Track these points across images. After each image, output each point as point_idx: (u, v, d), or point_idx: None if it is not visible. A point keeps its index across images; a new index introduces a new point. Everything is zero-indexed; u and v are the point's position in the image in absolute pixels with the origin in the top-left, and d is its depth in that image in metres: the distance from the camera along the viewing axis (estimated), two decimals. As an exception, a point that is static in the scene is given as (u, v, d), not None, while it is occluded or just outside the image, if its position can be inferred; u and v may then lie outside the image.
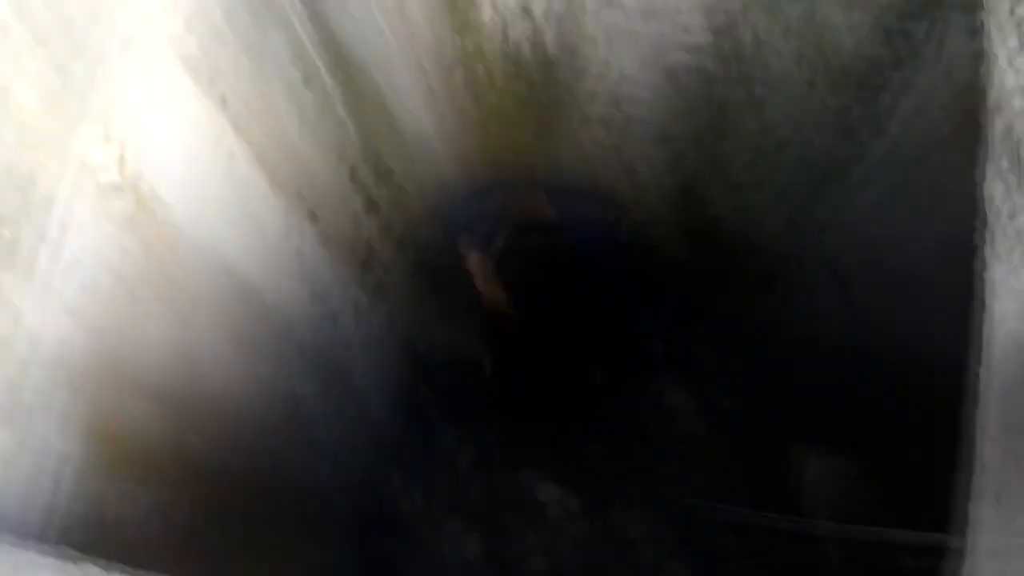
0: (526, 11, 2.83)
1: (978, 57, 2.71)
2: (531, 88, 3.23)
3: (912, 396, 5.24)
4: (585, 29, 2.86)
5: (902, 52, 2.77)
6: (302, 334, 3.58)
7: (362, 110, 3.60)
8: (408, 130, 3.69)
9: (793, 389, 5.40)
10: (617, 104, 3.26)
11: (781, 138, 3.36)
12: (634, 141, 3.53)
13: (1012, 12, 1.56)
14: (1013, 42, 1.54)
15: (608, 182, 3.94)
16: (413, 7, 2.91)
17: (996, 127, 1.60)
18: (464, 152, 3.84)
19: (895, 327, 5.03)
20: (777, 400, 5.41)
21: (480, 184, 4.08)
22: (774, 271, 4.55)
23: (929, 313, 4.79)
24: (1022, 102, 1.48)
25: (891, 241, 3.97)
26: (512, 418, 5.52)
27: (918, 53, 2.75)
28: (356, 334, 4.19)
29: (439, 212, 4.08)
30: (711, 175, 3.75)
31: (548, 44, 2.94)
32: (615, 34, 2.86)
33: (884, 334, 5.16)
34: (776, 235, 4.12)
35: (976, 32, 2.57)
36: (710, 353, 5.59)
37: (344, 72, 3.33)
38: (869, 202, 3.66)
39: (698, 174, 3.74)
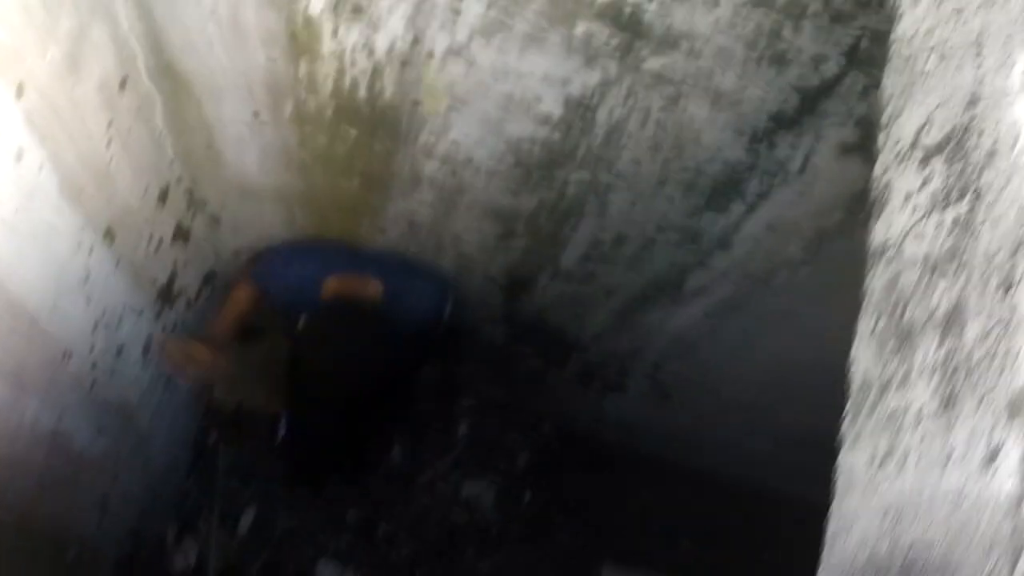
0: (368, 48, 2.61)
1: (849, 181, 2.56)
2: (363, 131, 3.01)
3: (726, 521, 5.16)
4: (428, 77, 2.62)
5: (764, 161, 2.61)
6: (80, 365, 3.28)
7: (182, 127, 3.34)
8: (229, 158, 3.45)
9: (601, 495, 5.32)
10: (452, 165, 3.06)
11: (621, 232, 3.19)
12: (466, 210, 3.34)
13: (915, 140, 1.32)
14: (912, 175, 1.29)
15: (434, 253, 3.71)
16: (249, 23, 2.67)
17: (877, 276, 1.34)
18: (286, 194, 3.61)
19: (715, 449, 4.93)
20: (581, 506, 5.34)
21: (299, 240, 3.84)
22: (594, 369, 4.41)
23: (759, 444, 4.70)
24: (916, 249, 1.22)
25: (720, 359, 3.83)
26: (303, 484, 5.35)
27: (781, 164, 2.60)
28: (145, 372, 3.91)
29: (254, 259, 3.80)
30: (541, 260, 3.57)
31: (387, 87, 2.72)
32: (460, 88, 2.63)
33: (704, 452, 5.06)
34: (601, 332, 3.98)
35: (853, 151, 2.41)
36: (516, 446, 5.48)
37: (168, 82, 3.08)
38: (702, 312, 3.52)
39: (528, 257, 3.56)
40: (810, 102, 2.33)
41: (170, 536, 5.09)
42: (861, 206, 2.58)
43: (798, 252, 2.98)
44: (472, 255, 3.65)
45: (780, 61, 2.22)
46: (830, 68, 2.20)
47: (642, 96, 2.46)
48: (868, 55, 2.13)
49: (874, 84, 2.16)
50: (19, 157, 2.52)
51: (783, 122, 2.43)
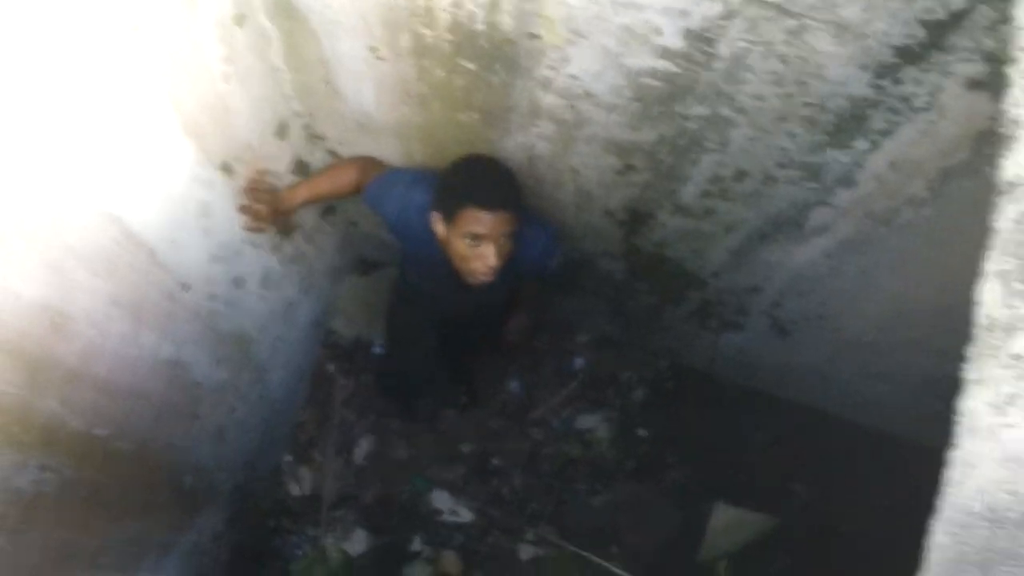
0: (486, -22, 2.57)
1: (975, 118, 2.49)
2: (480, 64, 2.98)
3: (840, 464, 5.10)
4: (546, 9, 2.58)
5: (889, 96, 2.54)
6: (198, 297, 3.31)
7: (299, 63, 3.34)
8: (347, 94, 3.44)
9: (715, 433, 5.28)
10: (571, 99, 3.01)
11: (741, 167, 3.13)
12: (585, 144, 3.29)
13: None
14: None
15: (553, 187, 3.69)
16: (366, -44, 2.64)
17: (1006, 213, 1.28)
18: (403, 129, 3.59)
19: (831, 390, 4.86)
20: (695, 444, 5.31)
21: (423, 169, 3.82)
22: (711, 307, 4.35)
23: (875, 386, 4.62)
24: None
25: (840, 299, 3.76)
26: (415, 418, 5.38)
27: (906, 100, 2.52)
28: (262, 303, 3.95)
29: (376, 168, 3.79)
30: (661, 195, 3.51)
31: (505, 18, 2.68)
32: (579, 19, 2.59)
33: (818, 393, 5.00)
34: (719, 270, 3.92)
35: (980, 87, 2.34)
36: (632, 382, 5.45)
37: (284, 18, 3.07)
38: (822, 252, 3.45)
39: (647, 191, 3.51)
40: (937, 36, 2.25)
41: (286, 465, 5.15)
42: (987, 145, 2.52)
43: (921, 191, 2.90)
44: (591, 190, 3.62)
45: (906, -8, 2.15)
46: (958, 1, 2.13)
47: (764, 29, 2.41)
48: (999, -13, 2.05)
49: (1003, 18, 2.10)
50: (138, 91, 2.53)
51: (909, 56, 2.36)
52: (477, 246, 3.33)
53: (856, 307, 3.84)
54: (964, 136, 2.57)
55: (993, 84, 2.33)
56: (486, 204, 3.27)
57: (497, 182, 3.36)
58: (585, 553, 5.06)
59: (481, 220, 3.28)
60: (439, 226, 3.40)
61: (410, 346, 4.63)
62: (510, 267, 3.46)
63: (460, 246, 3.37)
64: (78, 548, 2.94)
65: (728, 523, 5.15)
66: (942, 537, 1.25)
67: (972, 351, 1.27)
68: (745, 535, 5.13)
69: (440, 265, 3.53)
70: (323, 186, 3.89)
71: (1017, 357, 1.14)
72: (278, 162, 3.64)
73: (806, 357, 4.63)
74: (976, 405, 1.22)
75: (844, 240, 3.35)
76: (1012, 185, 1.27)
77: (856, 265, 3.48)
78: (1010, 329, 1.17)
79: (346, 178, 3.87)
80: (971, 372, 1.26)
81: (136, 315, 2.87)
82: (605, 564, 5.03)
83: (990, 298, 1.25)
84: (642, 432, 5.44)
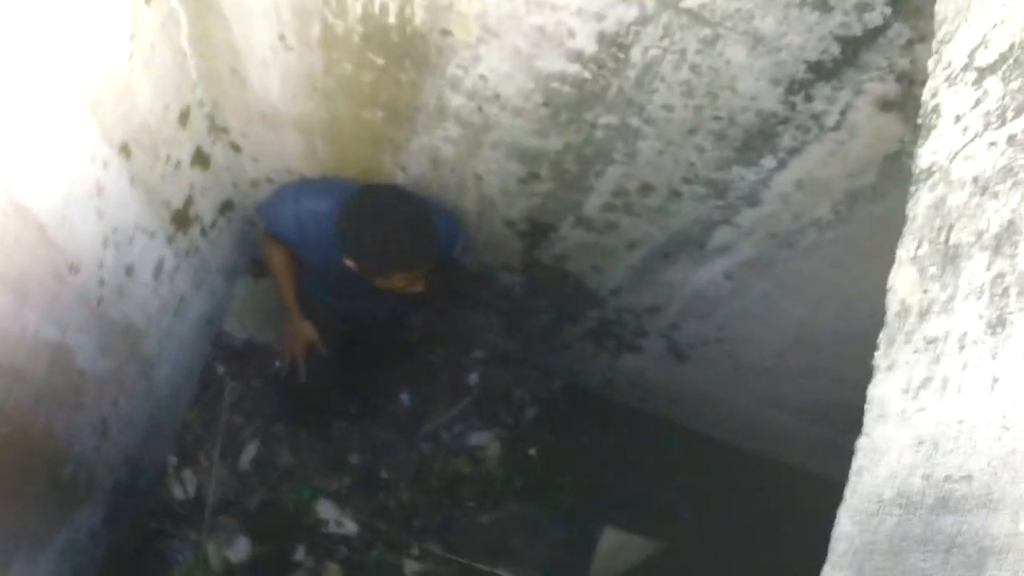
0: (399, -30, 2.54)
1: (885, 139, 2.49)
2: (390, 60, 2.95)
3: (732, 491, 5.12)
4: (459, 5, 2.56)
5: (799, 113, 2.55)
6: (88, 281, 3.23)
7: (207, 48, 3.28)
8: (253, 84, 3.39)
9: (607, 456, 5.28)
10: (479, 101, 2.99)
11: (647, 181, 3.12)
12: (490, 150, 3.28)
13: (969, 61, 1.25)
14: (963, 96, 1.23)
15: (455, 193, 3.66)
16: (278, -59, 2.60)
17: (921, 200, 1.28)
18: (308, 124, 3.54)
19: (727, 417, 4.87)
20: (586, 466, 5.31)
21: (304, 179, 3.92)
22: (610, 327, 4.35)
23: (771, 414, 4.64)
24: (966, 170, 1.16)
25: (740, 322, 3.77)
26: (304, 423, 5.33)
27: (817, 118, 2.53)
28: (154, 295, 3.87)
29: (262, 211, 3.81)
30: (564, 206, 3.50)
31: (418, 11, 2.65)
32: (492, 17, 2.57)
33: (714, 420, 5.01)
34: (619, 288, 3.92)
35: (892, 108, 2.34)
36: (525, 400, 5.45)
37: (195, 1, 2.99)
38: (723, 273, 3.46)
39: (550, 202, 3.50)
40: (851, 53, 2.26)
41: (170, 466, 5.07)
42: (896, 167, 2.52)
43: (827, 213, 2.91)
44: (494, 197, 3.59)
45: (823, 7, 2.15)
46: (874, 17, 2.13)
47: (678, 36, 2.39)
48: (915, 6, 2.05)
49: (919, 37, 2.10)
50: (37, 59, 2.46)
51: (822, 73, 2.36)
52: (406, 285, 3.45)
53: (756, 331, 3.84)
54: (873, 158, 2.58)
55: (905, 106, 2.33)
56: (413, 266, 3.37)
57: (417, 236, 3.36)
58: (478, 565, 5.03)
59: (410, 274, 3.40)
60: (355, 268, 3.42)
61: (311, 357, 4.58)
62: None
63: (387, 285, 3.47)
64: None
65: (616, 546, 5.16)
66: (849, 527, 1.24)
67: (883, 337, 1.26)
68: (632, 558, 5.14)
69: (345, 273, 3.50)
70: (287, 281, 4.11)
71: (931, 340, 1.13)
72: (179, 149, 3.57)
73: (703, 383, 4.64)
74: (886, 391, 1.21)
75: (746, 261, 3.36)
76: (927, 172, 1.27)
77: (757, 288, 3.49)
78: (924, 313, 1.16)
79: (281, 257, 4.02)
80: (882, 359, 1.25)
81: (21, 292, 2.78)
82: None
83: (904, 284, 1.24)
84: (533, 451, 5.42)
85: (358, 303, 3.98)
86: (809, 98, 2.46)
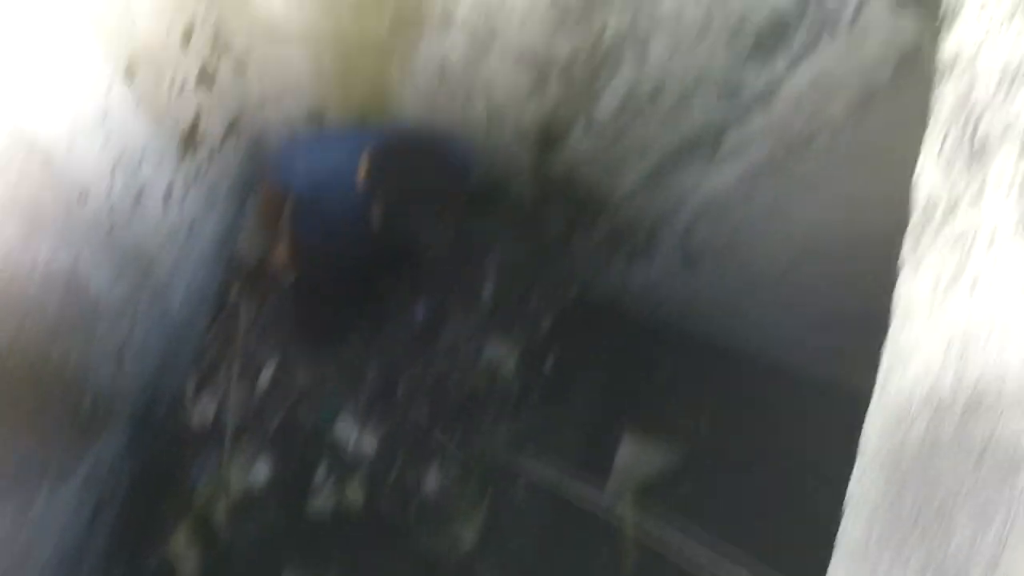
0: None
1: (899, 38, 2.44)
2: (393, -31, 2.89)
3: (746, 398, 5.10)
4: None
5: (813, 10, 2.50)
6: (98, 208, 3.21)
7: (208, -39, 3.22)
8: (257, 1, 3.31)
9: (622, 364, 5.27)
10: (486, 8, 2.92)
11: (658, 84, 3.08)
12: (498, 56, 3.23)
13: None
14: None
15: (464, 102, 3.62)
16: None
17: (946, 92, 1.24)
18: (314, 36, 3.50)
19: (739, 325, 4.84)
20: (603, 374, 5.30)
21: (312, 131, 3.95)
22: (622, 234, 4.30)
23: (783, 322, 4.60)
24: (992, 59, 1.12)
25: (751, 227, 3.72)
26: (319, 343, 5.32)
27: (832, 15, 2.47)
28: (165, 219, 3.84)
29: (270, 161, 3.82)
30: (574, 113, 3.45)
31: (422, -81, 2.60)
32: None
33: (725, 328, 4.98)
34: (630, 195, 3.86)
35: (907, 5, 2.29)
36: (540, 310, 5.43)
37: (194, -87, 2.96)
38: (737, 176, 3.40)
39: (560, 109, 3.45)
40: (865, -52, 2.22)
41: (188, 391, 5.07)
42: (913, 66, 2.48)
43: (842, 113, 2.87)
44: (503, 105, 3.55)
45: None
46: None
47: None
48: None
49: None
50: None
51: (836, -33, 2.32)
52: None
53: (769, 236, 3.81)
54: (889, 55, 2.54)
55: (921, 2, 2.29)
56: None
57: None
58: (498, 468, 5.06)
59: None
60: None
61: (321, 276, 4.57)
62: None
63: None
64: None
65: (634, 456, 5.15)
66: (879, 430, 1.21)
67: (910, 235, 1.23)
68: (650, 468, 5.14)
69: (362, 215, 3.47)
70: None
71: (959, 237, 1.10)
72: (184, 69, 3.52)
73: (715, 290, 4.61)
74: (914, 289, 1.18)
75: (759, 165, 3.32)
76: (951, 63, 1.23)
77: (771, 190, 3.45)
78: (952, 209, 1.13)
79: (271, 210, 4.11)
80: (909, 256, 1.22)
81: (30, 222, 2.76)
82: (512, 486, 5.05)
83: (930, 179, 1.21)
84: (549, 362, 5.41)
85: (369, 251, 3.97)
86: (823, -9, 2.43)
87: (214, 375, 5.16)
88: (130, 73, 3.10)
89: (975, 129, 1.11)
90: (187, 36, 3.42)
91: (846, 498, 1.32)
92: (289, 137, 3.82)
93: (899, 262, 1.23)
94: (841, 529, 1.34)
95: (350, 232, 3.84)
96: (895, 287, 1.23)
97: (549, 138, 3.66)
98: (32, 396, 3.16)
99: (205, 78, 3.73)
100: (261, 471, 5.04)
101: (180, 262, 4.23)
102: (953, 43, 1.24)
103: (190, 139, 3.84)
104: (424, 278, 5.39)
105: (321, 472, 5.09)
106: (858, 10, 2.42)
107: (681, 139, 3.34)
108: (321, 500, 5.03)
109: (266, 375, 5.20)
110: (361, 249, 4.08)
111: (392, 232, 3.51)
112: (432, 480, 5.11)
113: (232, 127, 4.32)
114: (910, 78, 2.54)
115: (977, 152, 1.10)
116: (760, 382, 5.08)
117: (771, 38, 2.64)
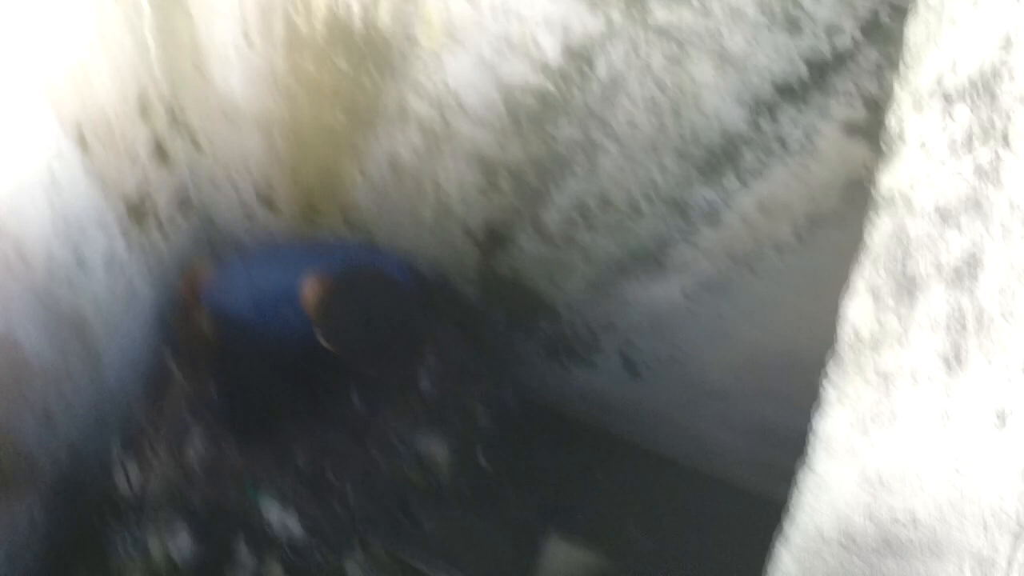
0: (367, -27, 2.52)
1: (849, 165, 2.47)
2: (353, 63, 2.93)
3: (680, 509, 5.10)
4: (426, 10, 2.53)
5: (764, 134, 2.52)
6: (36, 270, 3.18)
7: (170, 41, 3.26)
8: (215, 79, 3.37)
9: (556, 469, 5.27)
10: (441, 108, 2.96)
11: (607, 197, 3.10)
12: (451, 157, 3.25)
13: (936, 87, 1.23)
14: (929, 122, 1.20)
15: (414, 200, 3.64)
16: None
17: (880, 227, 1.25)
18: (269, 123, 3.52)
19: (680, 437, 4.86)
20: (535, 478, 5.29)
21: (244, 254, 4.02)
22: (564, 340, 4.32)
23: (722, 435, 4.62)
24: (928, 198, 1.13)
25: (695, 342, 3.74)
26: (248, 427, 5.30)
27: (781, 140, 2.51)
28: (106, 288, 3.83)
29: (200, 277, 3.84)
30: (523, 218, 3.47)
31: (382, 17, 2.64)
32: (459, 25, 2.55)
33: (667, 439, 4.99)
34: (575, 301, 3.89)
35: (858, 133, 2.32)
36: (477, 410, 5.43)
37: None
38: (681, 291, 3.43)
39: (510, 213, 3.46)
40: (819, 75, 2.24)
41: (115, 459, 5.02)
42: (860, 194, 2.50)
43: (788, 237, 2.89)
44: (452, 206, 3.55)
45: (793, 28, 2.13)
46: (844, 41, 2.11)
47: (644, 51, 2.38)
48: (886, 31, 2.04)
49: (888, 63, 2.08)
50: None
51: (788, 94, 2.34)
52: None
53: (711, 352, 3.82)
54: (836, 183, 2.56)
55: (871, 132, 2.32)
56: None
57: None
58: (421, 569, 5.02)
59: None
60: None
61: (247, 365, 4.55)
62: None
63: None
64: None
65: (562, 559, 5.13)
66: (789, 565, 1.21)
67: (833, 368, 1.23)
68: (577, 573, 5.12)
69: (308, 336, 3.46)
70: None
71: (883, 375, 1.10)
72: (137, 142, 3.53)
73: (657, 401, 4.62)
74: (834, 425, 1.18)
75: (704, 281, 3.33)
76: (887, 199, 1.24)
77: (714, 308, 3.46)
78: (877, 345, 1.13)
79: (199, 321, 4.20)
80: (831, 391, 1.22)
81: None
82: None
83: (858, 313, 1.21)
84: (483, 461, 5.39)
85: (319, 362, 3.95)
86: (775, 119, 2.44)
87: (142, 443, 5.11)
88: (81, 139, 3.09)
89: (906, 266, 1.12)
90: (144, 110, 3.43)
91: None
92: (227, 258, 3.82)
93: (822, 392, 1.24)
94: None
95: (284, 342, 3.84)
96: (815, 417, 1.23)
97: (496, 238, 3.67)
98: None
99: (158, 152, 3.73)
100: (183, 544, 4.98)
101: (117, 331, 4.21)
102: (891, 177, 1.26)
103: (139, 211, 3.83)
104: (360, 371, 5.39)
105: (243, 550, 5.04)
106: (808, 137, 2.45)
107: (628, 251, 3.35)
108: (234, 580, 4.99)
109: (196, 449, 5.15)
110: (292, 353, 4.08)
111: (331, 358, 3.52)
112: (355, 571, 5.07)
113: (183, 204, 4.31)
114: (857, 205, 2.57)
115: (907, 288, 1.10)
116: (697, 494, 5.09)
117: (722, 157, 2.67)
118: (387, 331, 3.30)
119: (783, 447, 4.14)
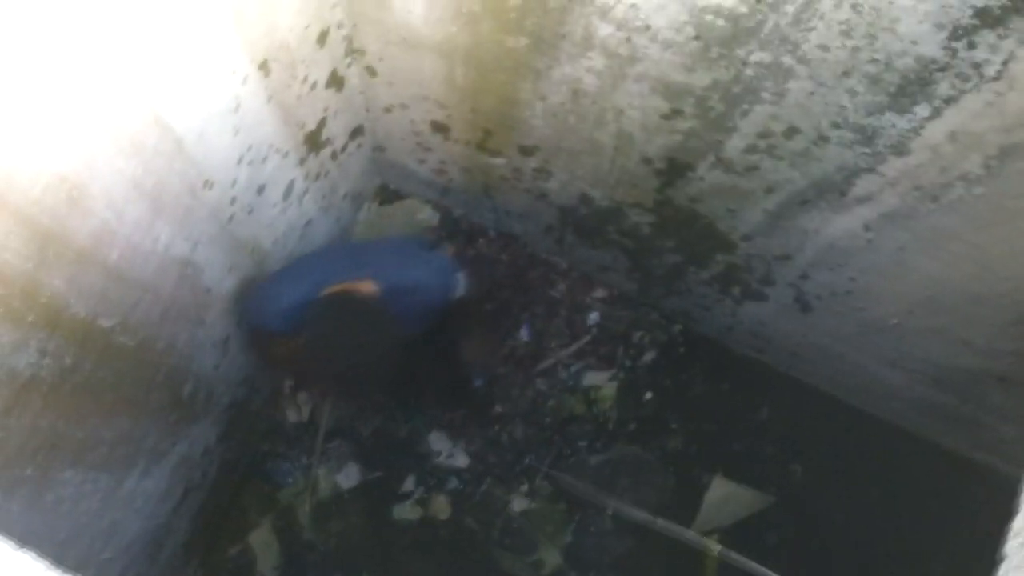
0: None
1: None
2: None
3: (843, 449, 5.03)
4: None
5: (960, 60, 2.44)
6: (220, 197, 3.22)
7: (350, -32, 3.22)
8: (394, 4, 3.34)
9: (721, 404, 5.23)
10: (629, 31, 2.93)
11: (793, 123, 3.03)
12: (634, 83, 3.22)
13: None
14: None
15: (593, 126, 3.62)
16: None
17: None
18: (449, 49, 3.51)
19: (844, 374, 4.77)
20: (700, 413, 5.26)
21: (280, 268, 4.02)
22: (737, 273, 4.26)
23: (889, 374, 4.52)
24: None
25: (871, 275, 3.66)
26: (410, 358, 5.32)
27: (977, 67, 2.42)
28: (283, 215, 3.87)
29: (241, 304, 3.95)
30: (705, 145, 3.42)
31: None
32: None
33: (830, 376, 4.91)
34: (752, 233, 3.82)
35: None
36: (644, 343, 5.39)
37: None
38: (862, 223, 3.35)
39: (691, 140, 3.42)
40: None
41: (286, 388, 5.09)
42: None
43: (976, 168, 2.80)
44: (633, 132, 3.51)
45: (996, -52, 2.06)
46: (1051, -38, 2.03)
47: (843, -29, 2.32)
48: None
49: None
50: (183, -32, 2.44)
51: (988, 19, 2.26)
52: None
53: (886, 286, 3.74)
54: (1029, 116, 2.48)
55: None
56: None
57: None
58: (586, 500, 5.02)
59: None
60: None
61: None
62: (416, 305, 3.70)
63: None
64: (65, 439, 2.85)
65: (724, 497, 5.10)
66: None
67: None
68: (739, 511, 5.08)
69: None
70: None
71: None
72: (316, 69, 3.55)
73: (825, 336, 4.54)
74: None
75: (887, 213, 3.26)
76: None
77: (894, 241, 3.38)
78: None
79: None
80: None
81: (155, 204, 2.78)
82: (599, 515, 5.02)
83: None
84: (648, 395, 5.37)
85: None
86: (972, 45, 2.36)
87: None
88: (265, 67, 3.11)
89: None
90: (323, 38, 3.43)
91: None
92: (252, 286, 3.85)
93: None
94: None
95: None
96: None
97: (676, 168, 3.62)
98: (137, 376, 3.19)
99: (335, 80, 3.74)
100: (350, 474, 5.04)
101: (292, 257, 4.25)
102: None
103: (315, 139, 3.85)
104: (527, 300, 5.38)
105: (410, 482, 5.08)
106: (1005, 64, 2.36)
107: (811, 180, 3.28)
108: (407, 511, 5.02)
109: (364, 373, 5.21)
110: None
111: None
112: (519, 503, 5.08)
113: (356, 131, 4.33)
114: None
115: None
116: (856, 433, 5.02)
117: (915, 83, 2.59)
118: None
119: (952, 391, 4.05)
